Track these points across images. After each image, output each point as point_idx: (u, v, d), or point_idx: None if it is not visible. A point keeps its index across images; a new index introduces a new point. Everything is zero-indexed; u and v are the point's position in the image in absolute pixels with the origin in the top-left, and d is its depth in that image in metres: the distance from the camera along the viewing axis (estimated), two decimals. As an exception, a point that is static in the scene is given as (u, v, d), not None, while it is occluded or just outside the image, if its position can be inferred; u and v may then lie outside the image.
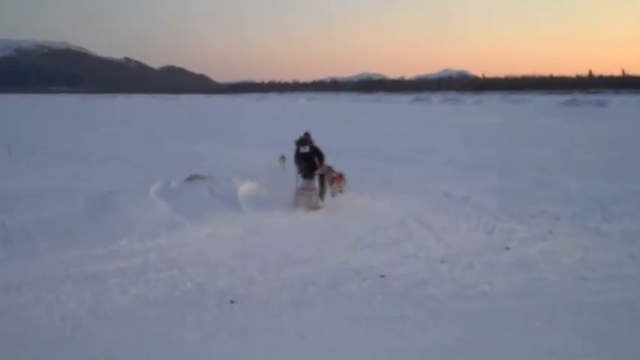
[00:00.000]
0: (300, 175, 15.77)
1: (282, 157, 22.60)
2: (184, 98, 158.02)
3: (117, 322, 8.05)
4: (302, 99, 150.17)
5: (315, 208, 15.17)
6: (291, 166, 17.18)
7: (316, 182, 15.50)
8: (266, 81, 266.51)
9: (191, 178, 16.91)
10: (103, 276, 9.98)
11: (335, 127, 46.83)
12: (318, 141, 16.32)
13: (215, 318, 8.29)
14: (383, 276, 10.14)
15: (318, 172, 15.45)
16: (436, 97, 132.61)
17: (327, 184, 16.00)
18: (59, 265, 10.56)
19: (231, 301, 8.85)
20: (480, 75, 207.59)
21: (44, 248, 11.63)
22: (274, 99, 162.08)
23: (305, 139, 15.54)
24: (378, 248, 12.10)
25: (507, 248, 11.95)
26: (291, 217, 14.81)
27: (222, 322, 8.17)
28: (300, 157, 15.61)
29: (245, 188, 16.05)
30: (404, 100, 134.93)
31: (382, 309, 8.60)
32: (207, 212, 14.33)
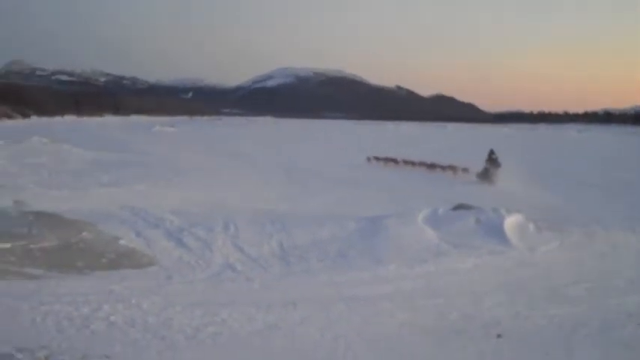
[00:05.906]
0: (488, 167, 29.59)
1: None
2: (451, 127, 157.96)
3: (384, 347, 8.26)
4: (572, 131, 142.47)
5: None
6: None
7: (497, 172, 29.09)
8: (535, 111, 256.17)
9: (457, 207, 16.93)
10: (372, 299, 10.34)
11: (606, 163, 44.12)
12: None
13: (480, 351, 8.14)
14: None
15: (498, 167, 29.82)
16: None
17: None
18: (331, 286, 11.20)
19: (498, 335, 8.65)
20: None
21: (318, 268, 12.44)
22: (542, 129, 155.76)
23: (494, 152, 30.07)
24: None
25: None
26: (559, 252, 14.26)
27: (487, 355, 8.00)
28: (492, 160, 29.33)
29: (512, 220, 15.71)
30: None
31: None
32: (473, 242, 14.30)
